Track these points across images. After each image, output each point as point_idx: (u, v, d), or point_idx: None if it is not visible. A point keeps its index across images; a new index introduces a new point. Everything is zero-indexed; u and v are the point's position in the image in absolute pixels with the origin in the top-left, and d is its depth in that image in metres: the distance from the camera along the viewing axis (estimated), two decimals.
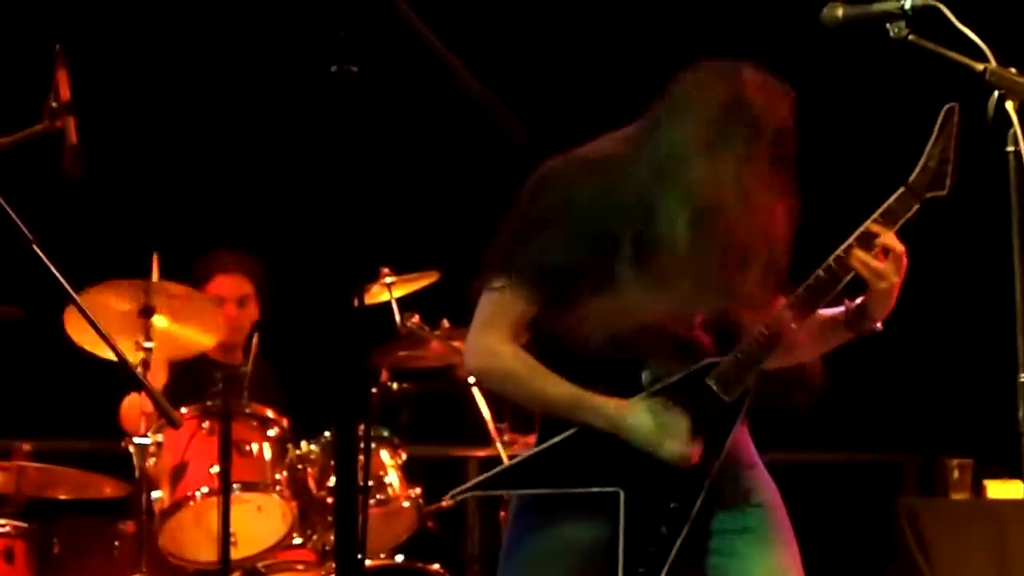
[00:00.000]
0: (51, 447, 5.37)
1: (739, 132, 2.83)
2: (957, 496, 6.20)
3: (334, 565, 4.38)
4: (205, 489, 4.78)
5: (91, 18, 6.26)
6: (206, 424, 4.85)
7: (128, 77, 6.36)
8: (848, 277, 2.94)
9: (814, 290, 2.94)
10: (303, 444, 5.04)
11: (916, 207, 2.95)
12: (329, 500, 4.95)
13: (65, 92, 3.99)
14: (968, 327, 6.64)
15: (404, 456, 5.21)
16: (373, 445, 5.03)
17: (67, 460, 5.22)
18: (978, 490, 6.18)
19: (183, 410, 4.81)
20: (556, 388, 2.92)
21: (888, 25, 2.82)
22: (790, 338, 2.93)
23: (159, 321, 4.94)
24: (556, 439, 2.93)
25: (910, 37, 2.81)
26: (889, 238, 2.93)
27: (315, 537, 5.05)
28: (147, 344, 4.89)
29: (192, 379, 5.19)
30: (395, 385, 5.50)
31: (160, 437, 4.88)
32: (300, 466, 5.01)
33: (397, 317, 5.34)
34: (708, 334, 2.93)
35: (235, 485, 4.71)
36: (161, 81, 6.49)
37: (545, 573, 2.94)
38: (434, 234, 6.06)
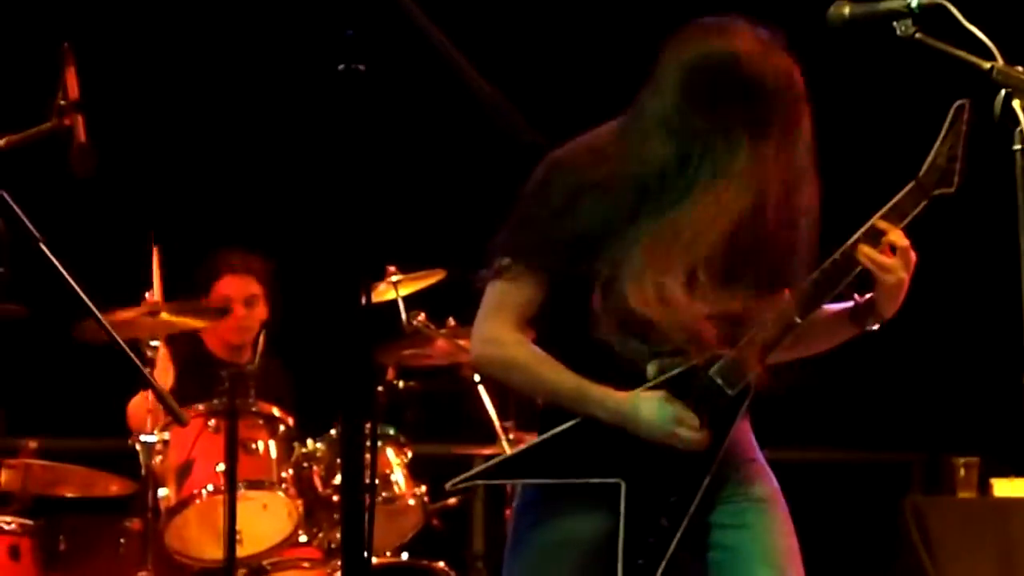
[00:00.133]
0: (57, 445, 5.38)
1: (736, 110, 2.82)
2: (964, 494, 6.19)
3: (340, 563, 4.39)
4: (211, 487, 4.79)
5: (99, 17, 6.26)
6: (212, 422, 4.85)
7: (136, 76, 6.36)
8: (854, 272, 2.94)
9: (819, 284, 2.93)
10: (309, 442, 5.05)
11: (924, 204, 2.95)
12: (335, 498, 4.96)
13: (73, 90, 3.99)
14: (974, 325, 6.64)
15: (410, 454, 5.22)
16: (379, 443, 5.03)
17: (73, 458, 5.23)
18: (984, 488, 6.18)
19: (190, 408, 4.81)
20: (561, 378, 2.91)
21: (895, 23, 2.81)
22: (795, 332, 2.93)
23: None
24: (558, 429, 2.92)
25: (917, 35, 2.80)
26: (896, 234, 2.93)
27: (321, 535, 5.06)
28: (153, 343, 4.90)
29: (199, 378, 5.20)
30: (401, 383, 5.51)
31: (166, 435, 4.89)
32: (306, 464, 5.02)
33: (403, 315, 5.34)
34: (714, 326, 2.92)
35: (241, 483, 4.72)
36: (169, 80, 6.50)
37: (549, 568, 2.93)
38: (440, 232, 6.06)
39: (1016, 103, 2.66)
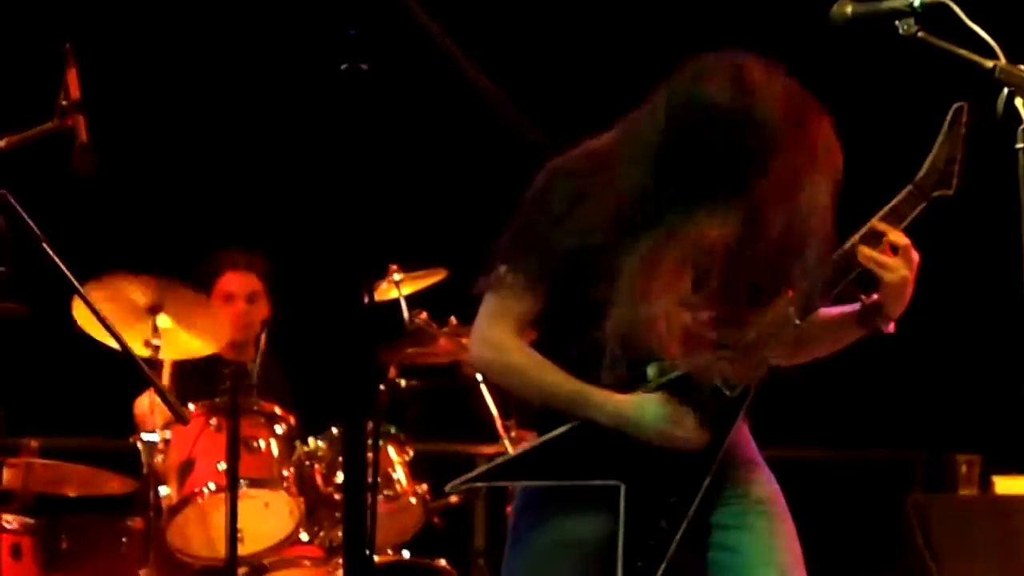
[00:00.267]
0: (59, 444, 5.37)
1: (720, 153, 2.81)
2: (965, 492, 6.20)
3: (341, 561, 4.40)
4: (212, 485, 4.78)
5: (101, 17, 6.27)
6: (214, 421, 4.85)
7: (138, 76, 6.37)
8: (853, 273, 2.93)
9: (818, 287, 2.93)
10: (310, 440, 5.05)
11: (922, 207, 2.95)
12: (336, 496, 4.96)
13: (75, 91, 4.00)
14: (976, 325, 6.64)
15: (411, 452, 5.22)
16: (381, 442, 5.04)
17: (74, 456, 5.23)
18: (986, 486, 6.18)
19: (191, 407, 4.81)
20: (560, 383, 2.91)
21: (897, 22, 2.81)
22: (794, 334, 2.93)
23: (162, 321, 4.96)
24: (557, 432, 2.92)
25: (919, 34, 2.80)
26: (895, 235, 2.92)
27: (322, 533, 5.06)
28: (154, 341, 4.90)
29: (201, 376, 5.20)
30: (403, 382, 5.51)
31: (168, 433, 4.89)
32: (307, 462, 5.02)
33: (405, 314, 5.35)
34: (713, 329, 2.92)
35: (242, 481, 4.72)
36: (171, 79, 6.50)
37: (548, 568, 2.94)
38: (442, 231, 6.06)
39: (1019, 102, 2.66)
